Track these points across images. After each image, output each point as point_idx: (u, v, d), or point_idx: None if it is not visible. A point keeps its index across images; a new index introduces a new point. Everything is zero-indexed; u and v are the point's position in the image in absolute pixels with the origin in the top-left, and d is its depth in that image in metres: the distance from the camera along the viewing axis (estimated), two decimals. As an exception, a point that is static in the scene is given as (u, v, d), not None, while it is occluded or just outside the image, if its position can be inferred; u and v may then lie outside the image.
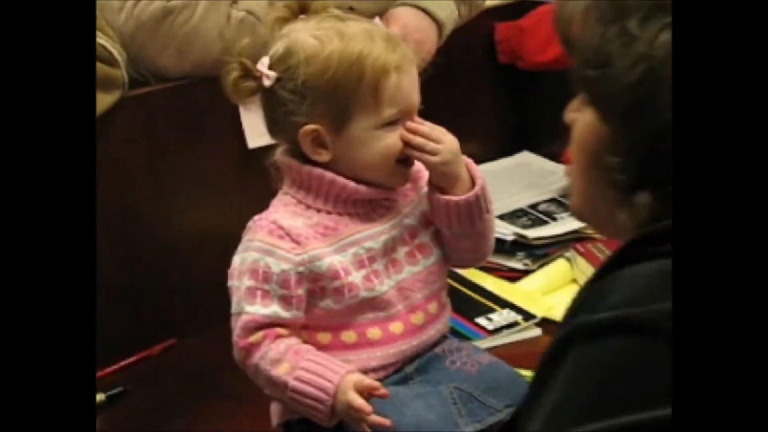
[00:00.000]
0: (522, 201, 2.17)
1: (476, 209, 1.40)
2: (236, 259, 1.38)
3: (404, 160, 1.38)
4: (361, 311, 1.38)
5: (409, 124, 1.36)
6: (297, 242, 1.35)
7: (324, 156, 1.36)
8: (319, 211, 1.38)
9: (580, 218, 1.08)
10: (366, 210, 1.40)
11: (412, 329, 1.41)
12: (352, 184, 1.37)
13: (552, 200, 2.17)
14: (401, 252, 1.42)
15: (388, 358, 1.40)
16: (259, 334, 1.34)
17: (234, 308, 1.37)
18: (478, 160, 1.49)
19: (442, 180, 1.39)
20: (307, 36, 1.35)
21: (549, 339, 1.71)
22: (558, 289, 1.93)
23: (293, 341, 1.35)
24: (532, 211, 2.14)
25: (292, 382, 1.32)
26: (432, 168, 1.38)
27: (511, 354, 1.57)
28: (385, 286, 1.39)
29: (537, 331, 1.78)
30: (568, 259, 1.97)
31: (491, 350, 1.58)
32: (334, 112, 1.34)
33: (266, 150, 1.87)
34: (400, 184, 1.42)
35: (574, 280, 1.95)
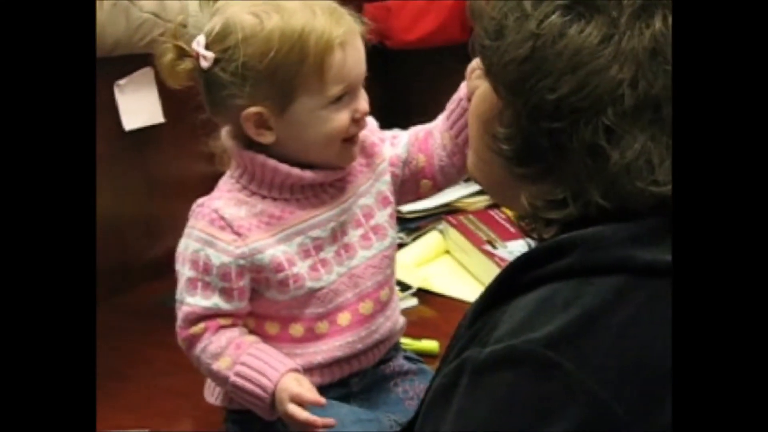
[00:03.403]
0: (394, 177, 2.21)
1: None
2: (181, 244, 1.32)
3: (349, 138, 1.31)
4: (308, 303, 1.33)
5: None
6: (238, 234, 1.29)
7: (268, 137, 1.28)
8: (264, 197, 1.31)
9: (472, 176, 1.09)
10: (314, 193, 1.33)
11: (360, 319, 1.36)
12: (296, 170, 1.30)
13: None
14: (354, 235, 1.36)
15: (334, 351, 1.35)
16: (200, 326, 1.31)
17: (177, 295, 1.33)
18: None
19: None
20: (244, 12, 1.25)
21: (425, 310, 1.79)
22: (432, 260, 2.00)
23: (235, 333, 1.32)
24: (405, 186, 2.19)
25: (233, 378, 1.30)
26: None
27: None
28: (333, 275, 1.34)
29: (413, 301, 1.84)
30: (441, 231, 2.04)
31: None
32: (277, 93, 1.25)
33: (142, 131, 1.89)
34: (348, 163, 1.34)
35: (447, 252, 2.02)
